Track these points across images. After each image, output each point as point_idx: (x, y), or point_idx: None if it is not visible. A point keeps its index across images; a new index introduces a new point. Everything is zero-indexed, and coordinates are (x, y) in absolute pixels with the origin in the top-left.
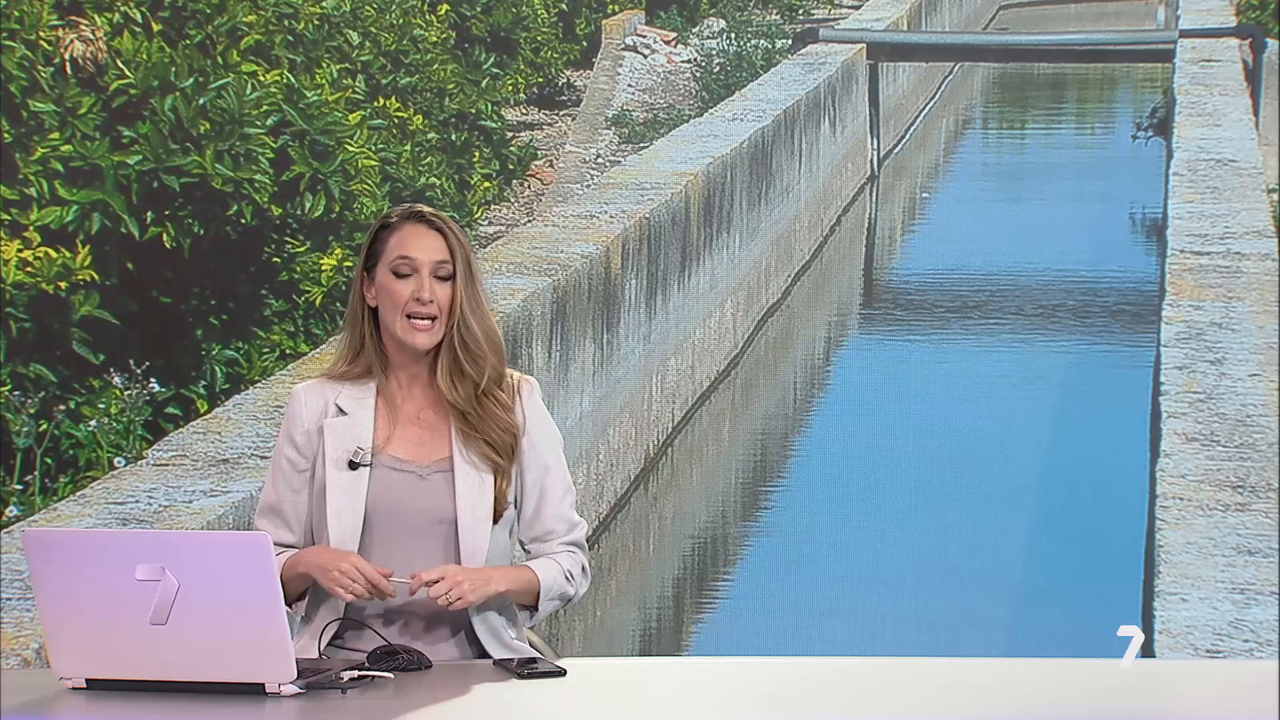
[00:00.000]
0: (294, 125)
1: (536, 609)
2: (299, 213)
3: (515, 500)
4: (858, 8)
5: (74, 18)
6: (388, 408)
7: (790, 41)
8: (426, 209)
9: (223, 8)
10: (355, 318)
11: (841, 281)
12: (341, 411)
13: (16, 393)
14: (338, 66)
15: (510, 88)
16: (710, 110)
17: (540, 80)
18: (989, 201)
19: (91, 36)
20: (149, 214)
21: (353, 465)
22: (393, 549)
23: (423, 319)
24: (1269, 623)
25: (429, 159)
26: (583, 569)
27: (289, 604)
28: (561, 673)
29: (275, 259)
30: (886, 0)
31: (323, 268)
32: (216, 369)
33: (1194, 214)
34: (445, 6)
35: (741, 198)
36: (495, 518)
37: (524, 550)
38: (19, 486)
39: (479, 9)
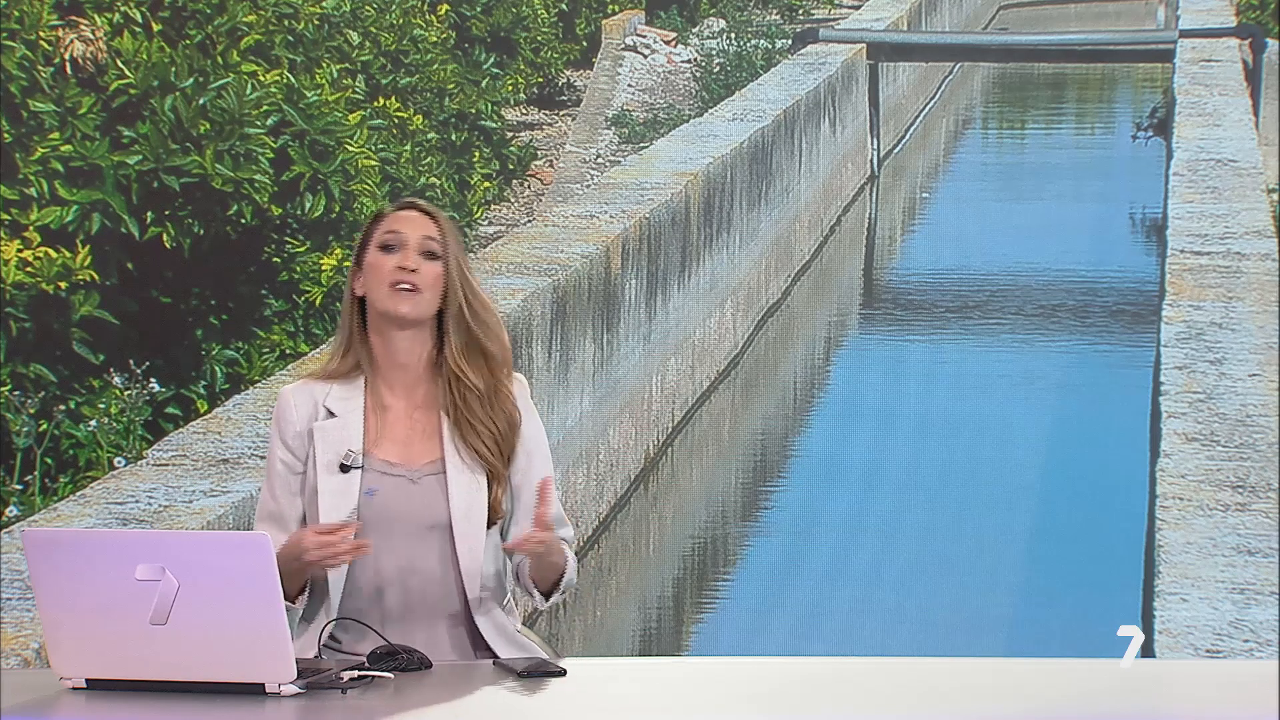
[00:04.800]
0: (294, 125)
1: (554, 592)
2: (299, 213)
3: (510, 498)
4: (858, 8)
5: (74, 18)
6: (376, 407)
7: (790, 41)
8: (419, 200)
9: (223, 8)
10: (347, 312)
11: (841, 281)
12: (331, 413)
13: (16, 393)
14: (338, 66)
15: (510, 88)
16: (710, 110)
17: (540, 80)
18: (989, 201)
19: (91, 36)
20: (149, 214)
21: (344, 468)
22: (387, 553)
23: (406, 286)
24: (1269, 623)
25: (429, 159)
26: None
27: (290, 599)
28: (561, 673)
29: (275, 259)
30: (886, 0)
31: (323, 268)
32: (216, 369)
33: (1194, 214)
34: (445, 6)
35: (741, 198)
36: (490, 522)
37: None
38: (19, 486)
39: (479, 9)
